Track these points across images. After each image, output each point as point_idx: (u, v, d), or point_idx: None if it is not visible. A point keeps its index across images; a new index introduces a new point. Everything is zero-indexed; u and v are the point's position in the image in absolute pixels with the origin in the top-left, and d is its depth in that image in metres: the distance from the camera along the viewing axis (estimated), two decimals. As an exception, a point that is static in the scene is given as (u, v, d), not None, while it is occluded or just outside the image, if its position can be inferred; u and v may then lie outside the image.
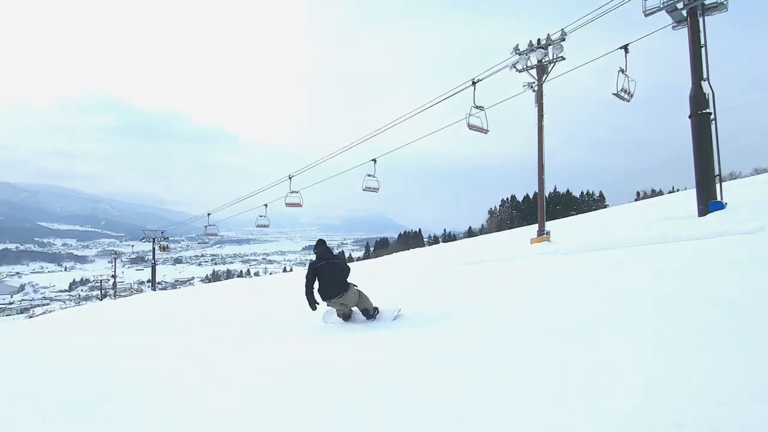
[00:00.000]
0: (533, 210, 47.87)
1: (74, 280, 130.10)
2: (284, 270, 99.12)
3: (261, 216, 18.21)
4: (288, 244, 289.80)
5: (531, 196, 61.59)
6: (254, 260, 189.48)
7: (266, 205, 17.92)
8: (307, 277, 5.85)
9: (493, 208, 69.04)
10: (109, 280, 54.76)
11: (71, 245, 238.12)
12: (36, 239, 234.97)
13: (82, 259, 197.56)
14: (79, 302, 79.89)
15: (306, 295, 5.83)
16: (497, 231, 45.17)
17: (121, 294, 57.61)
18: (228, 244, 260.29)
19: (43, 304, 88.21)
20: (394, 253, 31.16)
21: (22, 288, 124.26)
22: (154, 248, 33.68)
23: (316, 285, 5.82)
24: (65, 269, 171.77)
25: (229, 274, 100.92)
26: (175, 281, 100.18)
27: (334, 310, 6.25)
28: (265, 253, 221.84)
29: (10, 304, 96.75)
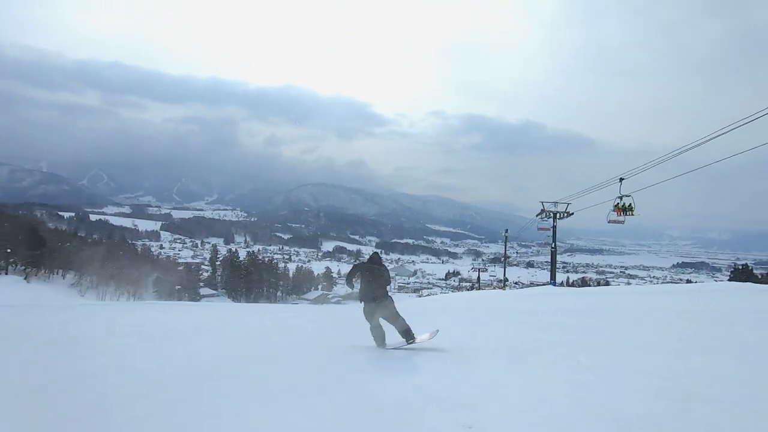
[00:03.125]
0: None
1: (448, 271, 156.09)
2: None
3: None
4: (652, 259, 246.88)
5: None
6: (610, 272, 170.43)
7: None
8: (351, 268, 6.72)
9: None
10: (476, 271, 60.14)
11: (446, 243, 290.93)
12: (424, 237, 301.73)
13: (454, 255, 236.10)
14: (452, 290, 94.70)
15: (347, 280, 6.64)
16: None
17: (484, 288, 62.89)
18: (579, 253, 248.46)
19: (427, 287, 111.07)
20: None
21: (414, 273, 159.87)
22: (554, 226, 28.09)
23: (357, 285, 6.50)
24: (442, 262, 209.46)
25: (584, 282, 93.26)
26: (530, 283, 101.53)
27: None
28: (623, 266, 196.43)
29: (407, 284, 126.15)
